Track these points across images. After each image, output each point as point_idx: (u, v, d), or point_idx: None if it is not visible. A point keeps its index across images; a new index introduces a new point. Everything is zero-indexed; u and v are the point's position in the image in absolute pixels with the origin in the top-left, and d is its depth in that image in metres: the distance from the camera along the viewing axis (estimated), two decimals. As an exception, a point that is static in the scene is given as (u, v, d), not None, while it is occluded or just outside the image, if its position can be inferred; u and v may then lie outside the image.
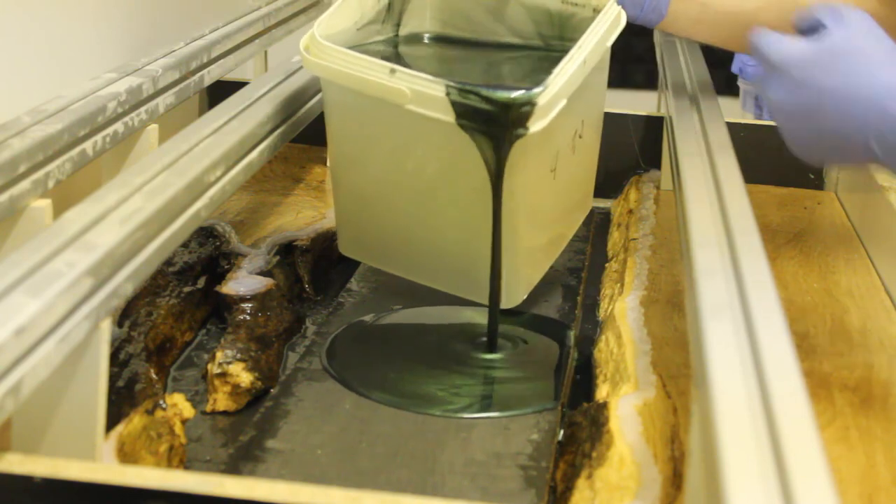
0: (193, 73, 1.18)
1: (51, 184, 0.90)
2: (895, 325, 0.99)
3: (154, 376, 0.88)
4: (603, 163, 1.17)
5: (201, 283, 1.02)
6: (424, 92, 0.88)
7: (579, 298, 1.11)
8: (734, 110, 2.09)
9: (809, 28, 0.84)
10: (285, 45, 1.46)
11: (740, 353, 0.62)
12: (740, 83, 2.03)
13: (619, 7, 1.01)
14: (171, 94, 1.13)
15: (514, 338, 1.02)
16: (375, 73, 0.90)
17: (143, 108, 1.06)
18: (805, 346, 0.93)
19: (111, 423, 0.72)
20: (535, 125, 0.87)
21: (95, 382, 0.68)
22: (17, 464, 0.62)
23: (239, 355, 0.89)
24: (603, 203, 1.37)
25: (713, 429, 0.55)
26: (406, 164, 0.96)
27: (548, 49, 1.08)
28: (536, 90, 0.86)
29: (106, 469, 0.63)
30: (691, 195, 0.88)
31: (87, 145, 0.96)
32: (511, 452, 0.83)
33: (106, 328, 0.68)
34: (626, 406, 0.82)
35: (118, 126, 1.02)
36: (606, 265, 1.19)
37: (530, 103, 0.86)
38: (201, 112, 1.46)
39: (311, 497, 0.61)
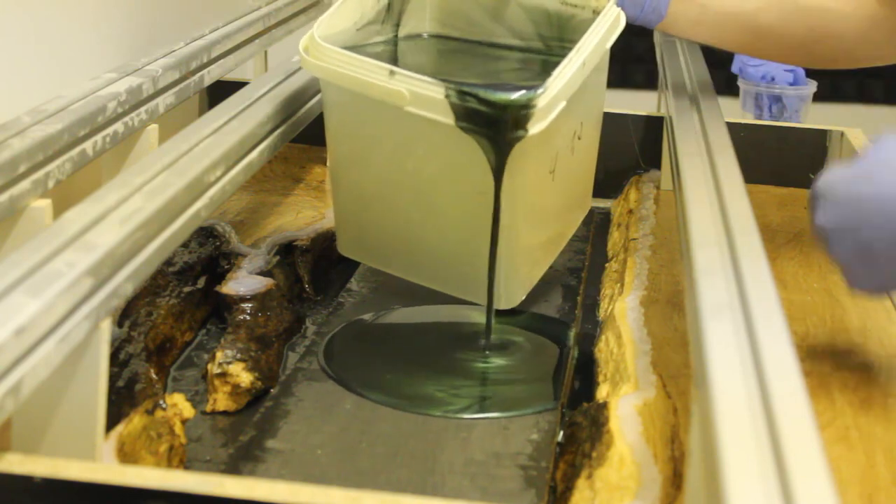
0: (193, 73, 1.18)
1: (51, 184, 0.90)
2: (895, 325, 0.99)
3: (154, 376, 0.88)
4: (603, 163, 1.17)
5: (201, 283, 1.02)
6: (424, 94, 0.88)
7: (579, 298, 1.11)
8: (734, 110, 2.08)
9: None
10: (285, 45, 1.45)
11: (740, 353, 0.62)
12: (740, 83, 2.02)
13: (619, 8, 1.01)
14: (171, 94, 1.13)
15: (513, 337, 1.02)
16: (374, 74, 0.90)
17: (143, 108, 1.06)
18: (805, 346, 0.93)
19: (111, 423, 0.72)
20: (535, 127, 0.87)
21: (95, 382, 0.68)
22: (17, 464, 0.62)
23: (239, 355, 0.89)
24: (603, 203, 1.37)
25: (713, 429, 0.55)
26: (405, 164, 0.96)
27: (547, 50, 1.08)
28: (536, 92, 0.86)
29: (106, 469, 0.63)
30: (691, 195, 0.88)
31: (87, 145, 0.96)
32: (511, 452, 0.83)
33: (106, 328, 0.68)
34: (626, 406, 0.82)
35: (118, 126, 1.02)
36: (606, 265, 1.19)
37: (530, 105, 0.86)
38: (201, 112, 1.46)
39: (311, 497, 0.61)
